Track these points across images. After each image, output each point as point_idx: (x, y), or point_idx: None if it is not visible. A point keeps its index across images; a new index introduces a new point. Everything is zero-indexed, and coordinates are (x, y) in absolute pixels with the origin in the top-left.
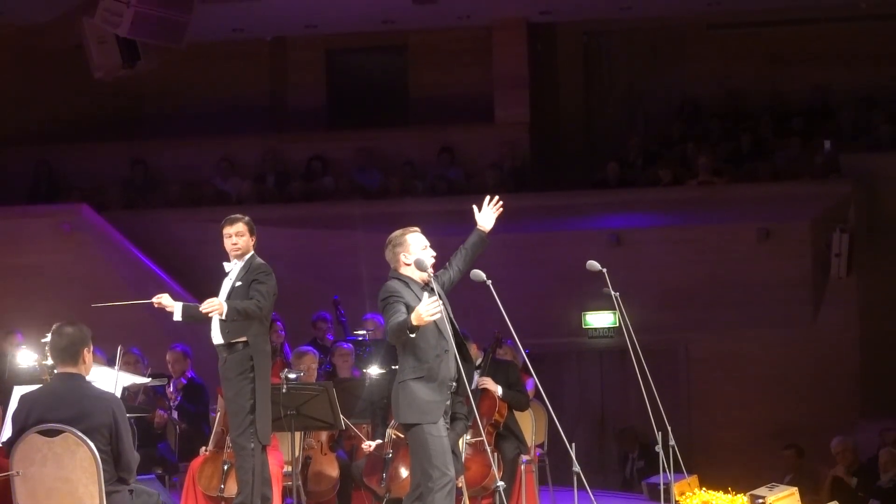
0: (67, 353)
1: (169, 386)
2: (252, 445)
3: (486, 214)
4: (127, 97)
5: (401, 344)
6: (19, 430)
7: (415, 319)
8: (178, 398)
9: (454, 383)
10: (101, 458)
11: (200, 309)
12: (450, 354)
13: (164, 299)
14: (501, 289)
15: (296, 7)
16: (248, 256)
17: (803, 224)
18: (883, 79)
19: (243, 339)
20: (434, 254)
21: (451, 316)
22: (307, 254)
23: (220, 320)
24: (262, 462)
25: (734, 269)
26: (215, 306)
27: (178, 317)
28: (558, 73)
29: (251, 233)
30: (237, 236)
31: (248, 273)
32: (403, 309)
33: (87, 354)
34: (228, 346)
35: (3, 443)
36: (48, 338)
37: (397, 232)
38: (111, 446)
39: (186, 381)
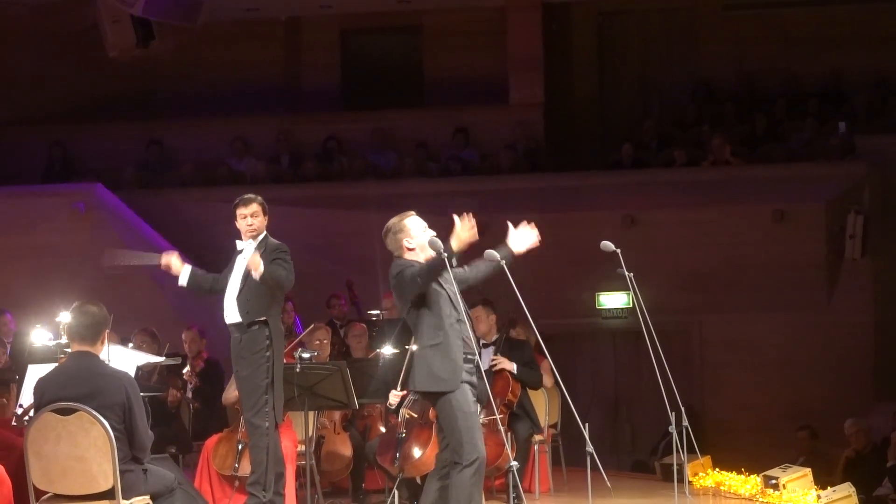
0: (90, 331)
1: (184, 365)
2: (267, 424)
3: (522, 236)
4: (141, 77)
5: (428, 289)
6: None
7: (455, 243)
8: (197, 382)
9: (474, 355)
10: (117, 435)
11: (248, 263)
12: (464, 325)
13: (172, 260)
14: (515, 269)
15: None
16: (261, 236)
17: (818, 206)
18: None
19: (262, 318)
20: (434, 233)
21: (462, 299)
22: (321, 234)
23: (239, 300)
24: (275, 440)
25: (748, 250)
26: (258, 263)
27: (183, 281)
28: (573, 55)
29: (265, 213)
30: (252, 217)
31: (265, 252)
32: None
33: (105, 335)
34: (246, 325)
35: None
36: (61, 317)
37: (394, 219)
38: (124, 424)
39: (204, 363)
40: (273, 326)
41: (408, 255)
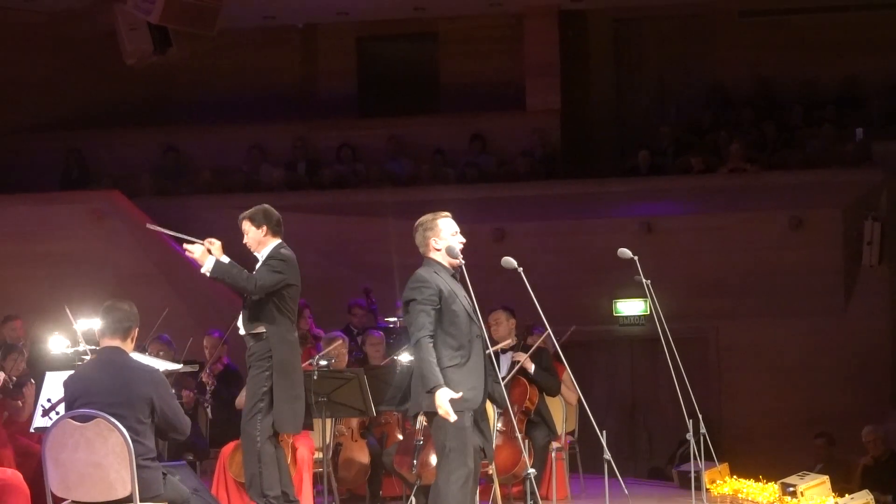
0: (121, 326)
1: (205, 371)
2: (257, 434)
3: None
4: (158, 84)
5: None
6: (68, 407)
7: (440, 397)
8: (215, 384)
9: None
10: (139, 430)
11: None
12: (481, 340)
13: (202, 249)
14: (532, 276)
15: None
16: (270, 247)
17: (835, 212)
18: None
19: (261, 329)
20: (463, 240)
21: (477, 308)
22: (337, 241)
23: (243, 311)
24: (268, 451)
25: (765, 257)
26: (192, 251)
27: (206, 269)
28: (589, 61)
29: (257, 225)
30: (244, 234)
31: (263, 260)
32: (429, 325)
33: (135, 333)
34: (251, 335)
35: (35, 428)
36: (78, 324)
37: (428, 216)
38: (152, 417)
39: (223, 367)
40: (274, 338)
41: (432, 255)
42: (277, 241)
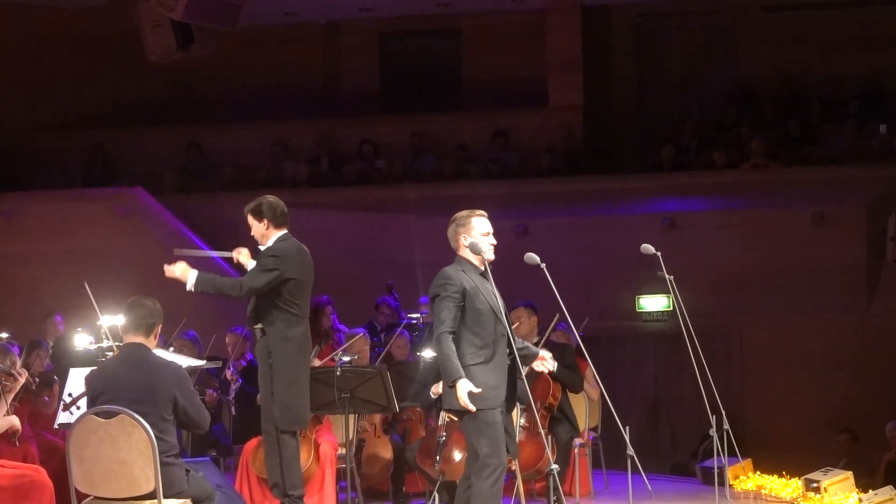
0: (144, 322)
1: (228, 368)
2: (274, 431)
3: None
4: (181, 81)
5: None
6: (91, 403)
7: (460, 388)
8: (240, 381)
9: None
10: (163, 427)
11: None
12: (506, 339)
13: (183, 267)
14: (555, 272)
15: None
16: (272, 239)
17: (858, 208)
18: None
19: (259, 325)
20: (494, 242)
21: (504, 308)
22: (360, 237)
23: (249, 308)
24: (289, 447)
25: (788, 253)
26: (173, 271)
27: (190, 285)
28: (612, 57)
29: (258, 219)
30: (251, 227)
31: (258, 259)
32: (450, 321)
33: (158, 330)
34: (257, 330)
35: (59, 424)
36: (102, 320)
37: (464, 212)
38: (175, 414)
39: (246, 363)
40: (273, 335)
41: (462, 252)
42: (280, 232)
